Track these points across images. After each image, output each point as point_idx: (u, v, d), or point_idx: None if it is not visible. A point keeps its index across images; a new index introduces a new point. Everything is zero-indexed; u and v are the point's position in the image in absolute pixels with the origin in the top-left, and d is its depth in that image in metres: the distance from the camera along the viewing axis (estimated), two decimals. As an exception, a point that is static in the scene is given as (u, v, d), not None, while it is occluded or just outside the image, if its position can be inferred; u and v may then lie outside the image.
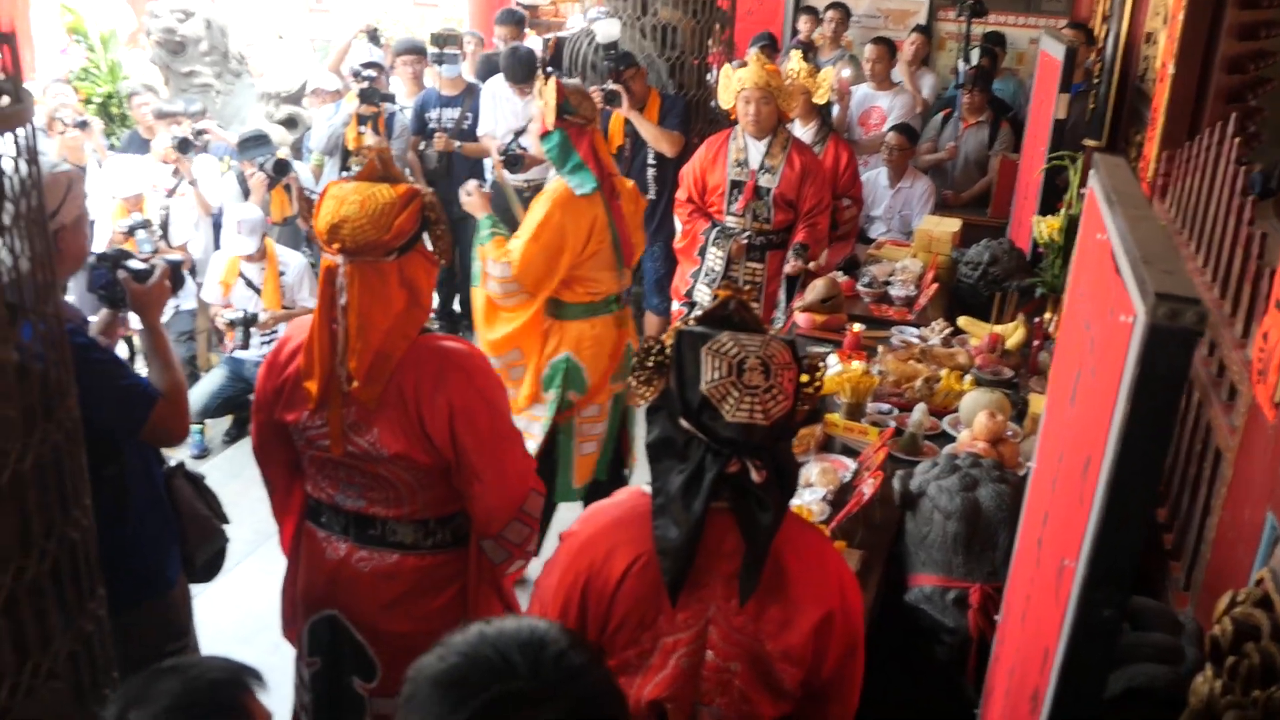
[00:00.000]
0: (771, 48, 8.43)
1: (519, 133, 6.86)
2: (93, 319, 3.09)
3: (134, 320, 3.07)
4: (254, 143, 6.66)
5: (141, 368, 3.03)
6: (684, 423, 2.09)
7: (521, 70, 6.81)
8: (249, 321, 5.84)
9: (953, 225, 5.83)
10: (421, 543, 2.96)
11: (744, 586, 2.11)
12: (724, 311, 2.20)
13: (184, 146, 6.47)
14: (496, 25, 8.54)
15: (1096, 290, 1.87)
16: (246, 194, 6.53)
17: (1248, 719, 2.07)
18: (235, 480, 5.62)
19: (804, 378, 2.16)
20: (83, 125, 6.71)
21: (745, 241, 5.83)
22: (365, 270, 2.73)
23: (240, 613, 4.63)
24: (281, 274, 5.98)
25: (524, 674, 1.27)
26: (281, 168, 6.42)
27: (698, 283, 5.96)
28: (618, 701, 1.36)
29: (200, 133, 6.85)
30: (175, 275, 3.09)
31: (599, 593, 2.20)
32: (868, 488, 3.26)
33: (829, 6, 9.40)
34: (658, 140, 6.68)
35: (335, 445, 2.83)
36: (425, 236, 2.86)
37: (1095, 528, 1.47)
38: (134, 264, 2.98)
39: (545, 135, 4.43)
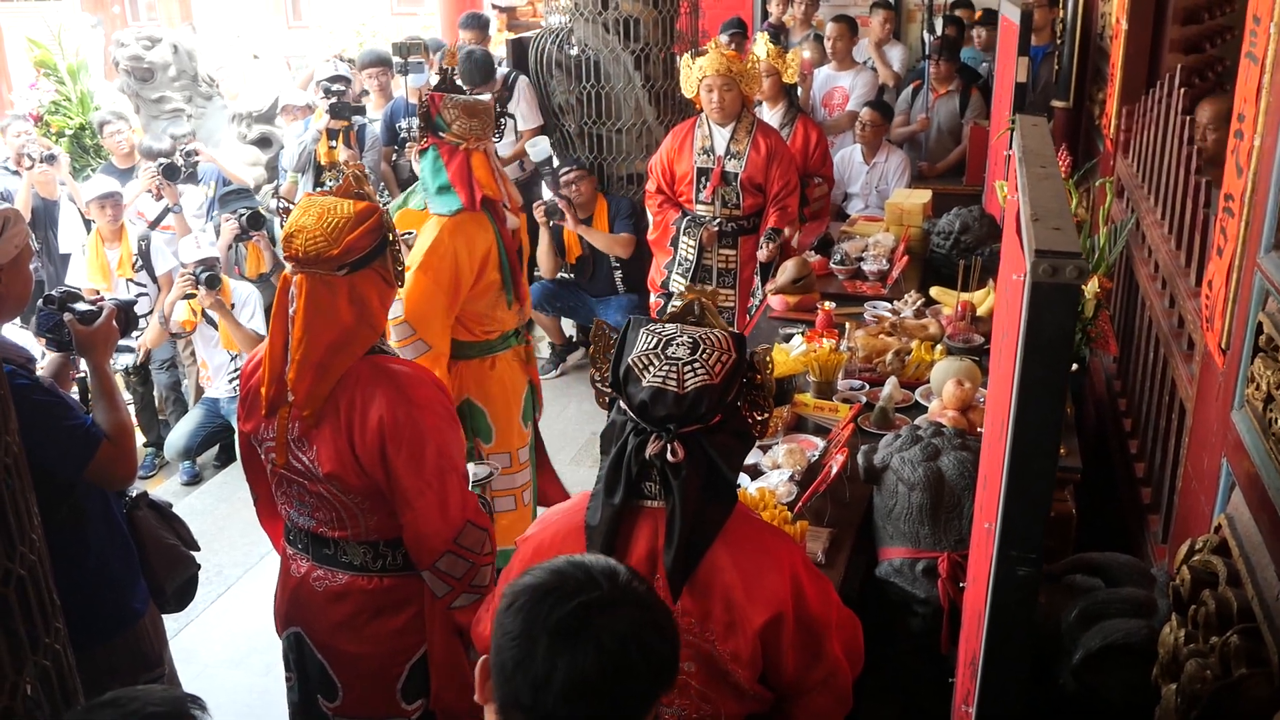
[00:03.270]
0: (741, 34, 8.42)
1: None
2: (42, 362, 3.09)
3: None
4: (236, 195, 6.65)
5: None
6: (620, 401, 2.12)
7: (478, 73, 6.79)
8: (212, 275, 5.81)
9: (923, 197, 5.82)
10: (371, 565, 2.93)
11: (671, 578, 2.10)
12: (688, 313, 2.23)
13: (170, 173, 6.45)
14: (460, 29, 8.54)
15: (1009, 250, 1.87)
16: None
17: (1207, 666, 2.07)
18: (224, 504, 5.65)
19: (756, 378, 2.17)
20: (50, 159, 6.71)
21: (716, 229, 5.83)
22: (314, 282, 2.72)
23: (231, 636, 4.62)
24: (232, 305, 5.93)
25: (604, 587, 1.51)
26: (255, 221, 6.38)
27: (672, 273, 5.96)
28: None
29: (191, 153, 6.84)
30: (125, 317, 3.06)
31: None
32: (835, 465, 3.26)
33: (799, -13, 9.38)
34: (610, 247, 6.71)
35: (279, 454, 2.82)
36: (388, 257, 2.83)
37: (1004, 488, 1.47)
38: (80, 306, 2.96)
39: (422, 152, 4.01)
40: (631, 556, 2.14)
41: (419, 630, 2.97)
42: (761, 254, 5.72)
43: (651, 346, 2.09)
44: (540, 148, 6.50)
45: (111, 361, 3.05)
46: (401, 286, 2.91)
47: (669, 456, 2.04)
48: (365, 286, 2.76)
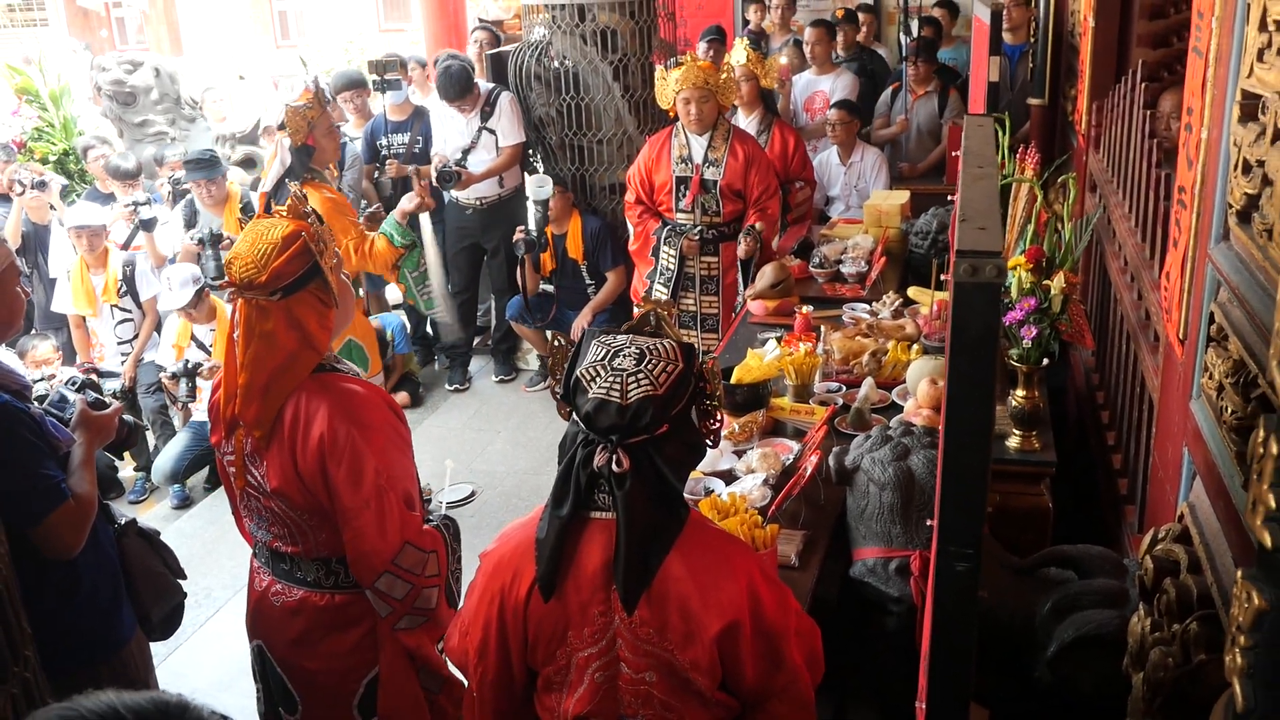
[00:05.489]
0: (720, 41, 8.45)
1: (466, 150, 6.91)
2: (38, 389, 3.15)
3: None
4: (195, 165, 6.67)
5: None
6: (571, 412, 2.15)
7: (454, 88, 6.80)
8: (190, 373, 5.89)
9: (900, 197, 5.83)
10: (323, 581, 2.94)
11: (624, 593, 2.12)
12: (644, 324, 2.25)
13: (149, 226, 6.50)
14: (471, 33, 8.67)
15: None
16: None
17: (1169, 654, 2.09)
18: (213, 526, 5.67)
19: (706, 388, 2.19)
20: (42, 185, 6.76)
21: (697, 238, 5.85)
22: (251, 308, 2.73)
23: (220, 659, 4.63)
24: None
25: None
26: (215, 240, 6.44)
27: (655, 283, 5.99)
28: None
29: (178, 181, 6.90)
30: (126, 431, 3.15)
31: (513, 612, 2.23)
32: (809, 467, 3.28)
33: (775, -8, 9.42)
34: (617, 291, 6.90)
35: (238, 474, 2.85)
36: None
37: (940, 484, 1.49)
38: (96, 396, 3.07)
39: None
40: (586, 570, 2.16)
41: (374, 648, 2.98)
42: (740, 250, 5.73)
43: (600, 358, 2.12)
44: (545, 188, 6.54)
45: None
46: (340, 307, 2.90)
47: (614, 467, 2.06)
48: (301, 310, 2.76)
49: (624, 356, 2.11)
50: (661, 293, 5.93)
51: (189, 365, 5.88)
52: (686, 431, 2.16)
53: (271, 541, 2.95)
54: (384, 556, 2.80)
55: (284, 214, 2.80)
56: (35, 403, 2.94)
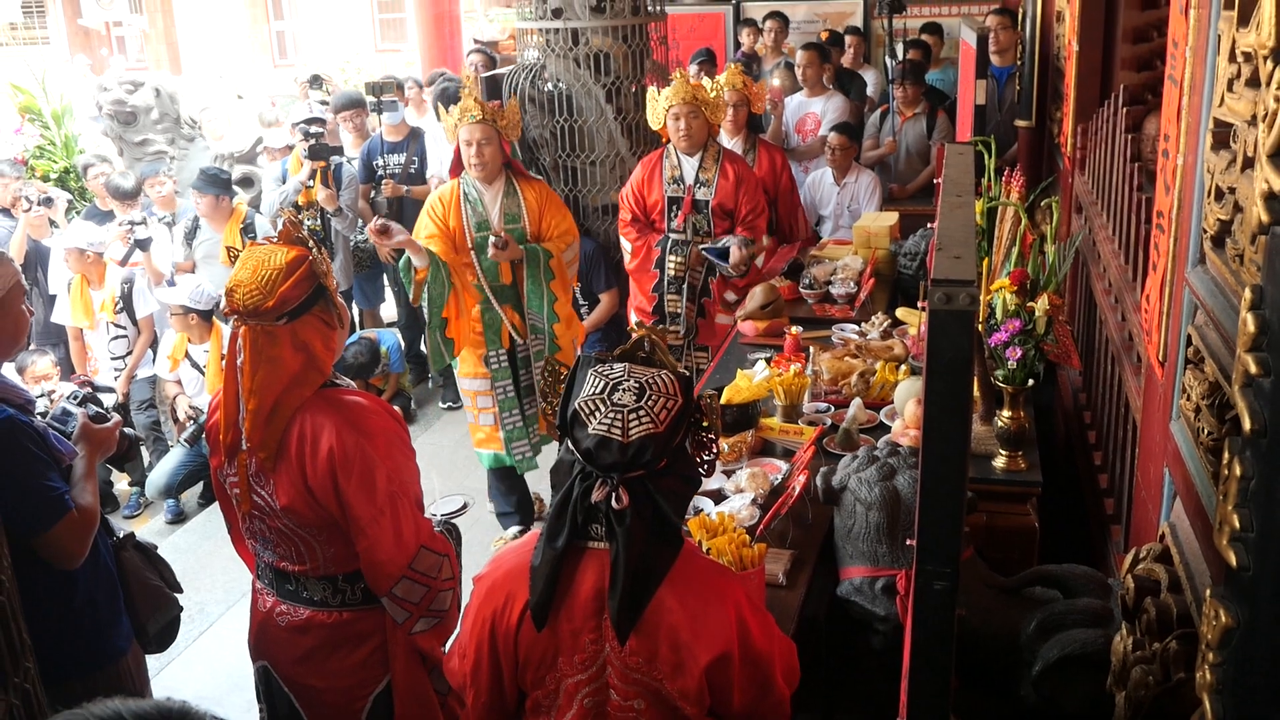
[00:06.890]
0: (710, 63, 8.52)
1: (461, 170, 6.94)
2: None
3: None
4: (207, 179, 6.74)
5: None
6: (566, 440, 2.17)
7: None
8: (201, 425, 5.94)
9: (889, 219, 5.89)
10: (330, 600, 2.97)
11: (617, 624, 2.14)
12: (637, 350, 2.27)
13: (145, 245, 6.56)
14: (467, 56, 8.71)
15: (932, 277, 1.94)
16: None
17: (1150, 672, 2.12)
18: (207, 541, 5.70)
19: (703, 421, 2.22)
20: (48, 202, 6.83)
21: (701, 251, 5.84)
22: (257, 334, 2.77)
23: (213, 674, 4.66)
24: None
25: None
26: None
27: (664, 294, 5.95)
28: None
29: (171, 223, 6.96)
30: (127, 443, 3.21)
31: (504, 636, 2.26)
32: (797, 487, 3.32)
33: (767, 16, 9.50)
34: (610, 311, 6.83)
35: (243, 497, 2.88)
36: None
37: (918, 505, 1.53)
38: (96, 410, 3.12)
39: None
40: (578, 599, 2.18)
41: (380, 663, 3.01)
42: (733, 255, 5.64)
43: (598, 391, 2.13)
44: None
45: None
46: (342, 328, 2.95)
47: (614, 503, 2.07)
48: (307, 333, 2.82)
49: (624, 391, 2.11)
50: (674, 301, 5.92)
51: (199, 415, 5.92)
52: (683, 465, 2.19)
53: (277, 562, 2.98)
54: (401, 563, 2.84)
55: (275, 240, 2.85)
56: (38, 416, 2.98)
